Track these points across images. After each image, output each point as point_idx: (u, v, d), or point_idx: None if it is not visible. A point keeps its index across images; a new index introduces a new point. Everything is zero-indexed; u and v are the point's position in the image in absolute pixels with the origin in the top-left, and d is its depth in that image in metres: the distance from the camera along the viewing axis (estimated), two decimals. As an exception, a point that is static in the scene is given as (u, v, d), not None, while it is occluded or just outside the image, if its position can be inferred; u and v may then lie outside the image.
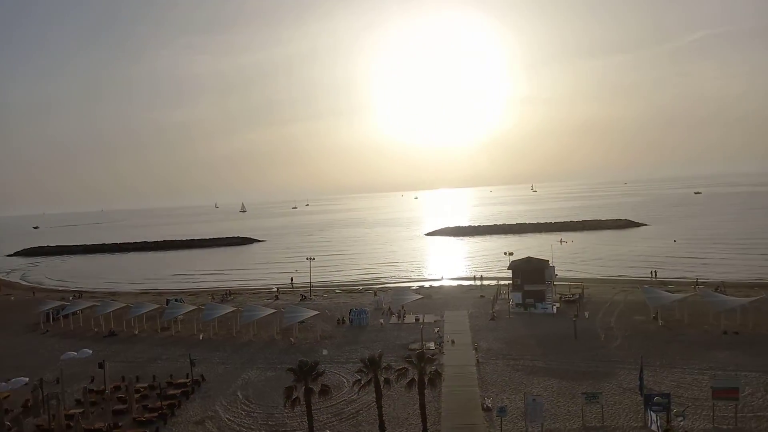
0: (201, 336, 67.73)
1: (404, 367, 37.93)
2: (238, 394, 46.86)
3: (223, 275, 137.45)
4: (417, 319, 69.47)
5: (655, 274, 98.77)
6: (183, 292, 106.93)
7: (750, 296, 66.93)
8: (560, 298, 76.98)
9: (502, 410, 37.44)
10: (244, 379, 51.03)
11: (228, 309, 74.42)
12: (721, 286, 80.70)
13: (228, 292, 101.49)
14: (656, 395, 36.30)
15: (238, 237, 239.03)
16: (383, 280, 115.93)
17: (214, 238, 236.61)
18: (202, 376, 51.64)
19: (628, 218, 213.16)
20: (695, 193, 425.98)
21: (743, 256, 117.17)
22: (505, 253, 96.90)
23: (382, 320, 70.99)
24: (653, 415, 34.89)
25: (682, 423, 35.09)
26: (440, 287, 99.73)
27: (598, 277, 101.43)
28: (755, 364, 46.83)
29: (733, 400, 36.61)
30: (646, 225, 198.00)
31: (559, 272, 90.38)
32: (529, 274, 74.12)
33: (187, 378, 50.47)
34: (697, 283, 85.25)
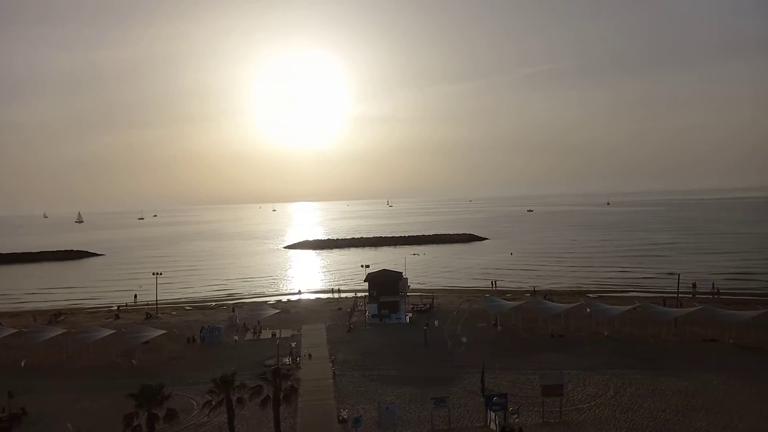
0: (23, 363, 59.48)
1: (259, 385, 36.99)
2: (69, 426, 41.90)
3: (52, 294, 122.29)
4: (273, 335, 68.17)
5: (495, 284, 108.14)
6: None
7: (571, 303, 76.09)
8: (413, 308, 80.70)
9: (356, 421, 38.22)
10: (78, 410, 45.78)
11: (57, 331, 66.39)
12: (548, 294, 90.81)
13: (57, 312, 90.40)
14: (495, 396, 39.65)
15: (71, 251, 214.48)
16: (238, 295, 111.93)
17: (40, 252, 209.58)
18: (22, 409, 45.26)
19: (472, 233, 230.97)
20: (528, 211, 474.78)
21: (562, 267, 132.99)
22: (362, 266, 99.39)
23: (236, 337, 68.47)
24: (492, 414, 38.09)
25: (517, 420, 38.71)
26: (298, 301, 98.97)
27: (447, 287, 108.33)
28: (575, 363, 53.38)
29: (558, 396, 41.27)
30: (487, 239, 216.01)
31: (412, 283, 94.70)
32: (385, 285, 76.77)
33: (2, 413, 43.96)
34: (534, 292, 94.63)
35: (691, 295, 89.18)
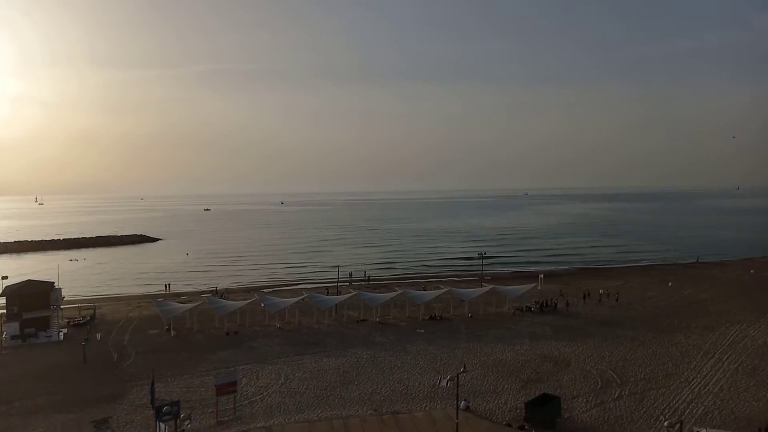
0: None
1: None
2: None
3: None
4: None
5: (169, 287, 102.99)
6: None
7: (247, 299, 78.30)
8: (68, 322, 70.28)
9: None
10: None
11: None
12: (224, 293, 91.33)
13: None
14: (166, 405, 37.84)
15: None
16: None
17: None
18: None
19: (143, 233, 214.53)
20: (205, 210, 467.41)
21: (239, 266, 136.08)
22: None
23: None
24: (162, 425, 36.24)
25: (189, 426, 37.76)
26: None
27: (113, 295, 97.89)
28: (249, 357, 55.23)
29: (232, 393, 41.96)
30: (161, 240, 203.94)
31: (69, 294, 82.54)
32: (29, 299, 64.71)
33: None
34: (216, 292, 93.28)
35: (348, 283, 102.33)
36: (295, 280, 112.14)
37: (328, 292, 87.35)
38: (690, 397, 42.78)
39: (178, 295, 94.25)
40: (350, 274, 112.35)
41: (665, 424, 35.10)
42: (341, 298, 77.06)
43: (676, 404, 41.36)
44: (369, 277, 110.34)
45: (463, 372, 40.59)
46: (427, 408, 41.55)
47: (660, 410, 40.12)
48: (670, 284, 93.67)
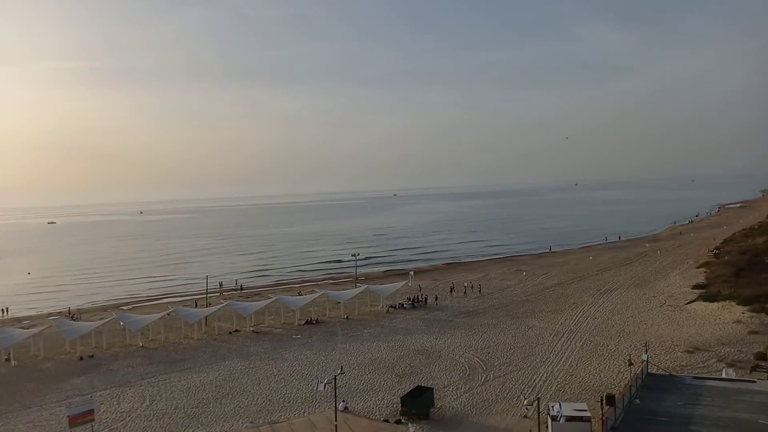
0: None
1: None
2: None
3: None
4: None
5: (7, 312, 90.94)
6: None
7: (103, 318, 71.63)
8: None
9: None
10: None
11: None
12: (76, 313, 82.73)
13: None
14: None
15: None
16: None
17: None
18: None
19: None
20: (49, 223, 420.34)
21: (94, 283, 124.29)
22: None
23: None
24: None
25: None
26: None
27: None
28: (108, 381, 50.57)
29: (89, 422, 38.07)
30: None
31: None
32: None
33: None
34: (70, 313, 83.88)
35: (219, 294, 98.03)
36: (160, 295, 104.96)
37: (196, 305, 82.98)
38: (545, 375, 47.13)
39: (18, 320, 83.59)
40: (220, 284, 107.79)
41: (524, 402, 38.31)
42: (211, 309, 73.63)
43: (534, 383, 45.33)
44: (241, 285, 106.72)
45: (340, 373, 40.85)
46: (305, 413, 41.19)
47: (520, 390, 43.70)
48: (524, 273, 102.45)
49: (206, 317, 70.69)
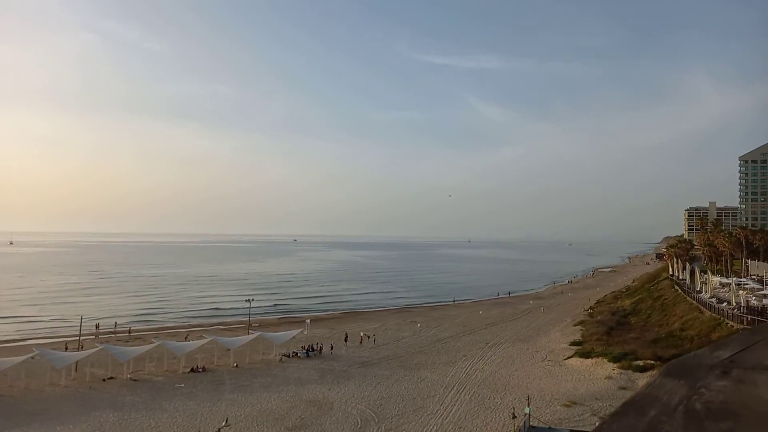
0: None
1: None
2: None
3: None
4: None
5: None
6: None
7: (-50, 362, 62.63)
8: None
9: None
10: None
11: None
12: None
13: None
14: None
15: None
16: None
17: None
18: None
19: None
20: None
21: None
22: None
23: None
24: None
25: None
26: None
27: None
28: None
29: None
30: None
31: None
32: None
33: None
34: None
35: (94, 336, 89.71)
36: (24, 337, 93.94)
37: (67, 348, 75.26)
38: (435, 428, 47.72)
39: None
40: (96, 326, 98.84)
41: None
42: (83, 353, 67.12)
43: (424, 435, 45.70)
44: (122, 328, 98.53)
45: (225, 426, 38.71)
46: (184, 470, 38.25)
47: (411, 442, 43.83)
48: (418, 325, 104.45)
49: (77, 362, 64.23)
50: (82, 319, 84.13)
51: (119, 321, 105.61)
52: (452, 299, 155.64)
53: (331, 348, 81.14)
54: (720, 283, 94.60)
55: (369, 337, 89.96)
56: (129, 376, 63.03)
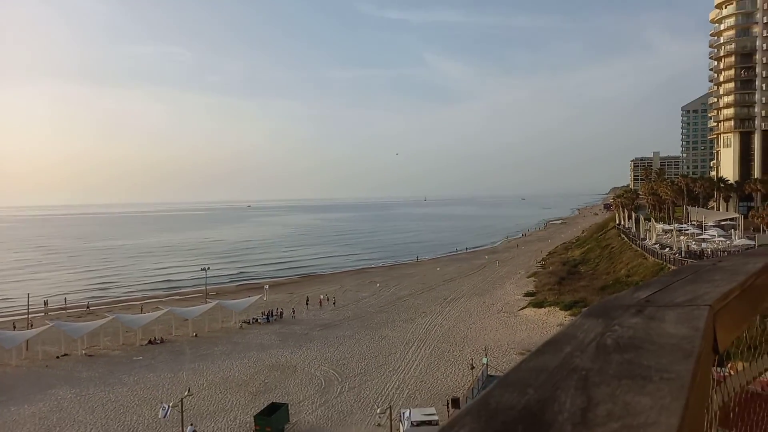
0: None
1: None
2: None
3: None
4: None
5: None
6: None
7: None
8: None
9: None
10: None
11: None
12: None
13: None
14: None
15: None
16: None
17: None
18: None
19: None
20: None
21: None
22: None
23: None
24: None
25: None
26: None
27: None
28: None
29: None
30: None
31: None
32: None
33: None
34: None
35: (43, 313, 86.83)
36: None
37: (15, 327, 72.64)
38: (397, 383, 49.00)
39: None
40: (45, 303, 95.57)
41: (377, 411, 39.48)
42: (33, 332, 64.94)
43: (387, 391, 46.89)
44: (75, 304, 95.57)
45: (188, 395, 38.57)
46: (148, 442, 38.13)
47: (374, 399, 44.92)
48: (378, 285, 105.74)
49: (27, 341, 62.17)
50: (29, 296, 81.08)
51: (70, 297, 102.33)
52: (415, 257, 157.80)
53: (293, 312, 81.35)
54: (663, 230, 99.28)
55: (329, 299, 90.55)
56: (84, 351, 61.55)
